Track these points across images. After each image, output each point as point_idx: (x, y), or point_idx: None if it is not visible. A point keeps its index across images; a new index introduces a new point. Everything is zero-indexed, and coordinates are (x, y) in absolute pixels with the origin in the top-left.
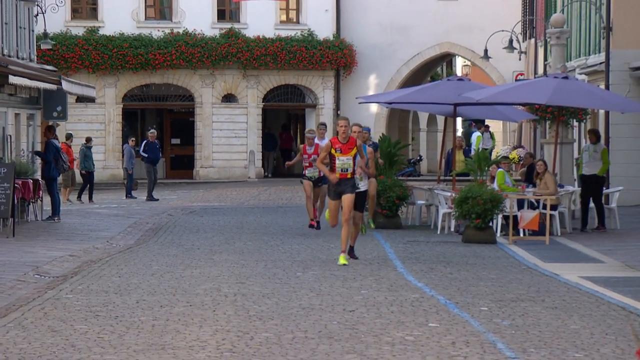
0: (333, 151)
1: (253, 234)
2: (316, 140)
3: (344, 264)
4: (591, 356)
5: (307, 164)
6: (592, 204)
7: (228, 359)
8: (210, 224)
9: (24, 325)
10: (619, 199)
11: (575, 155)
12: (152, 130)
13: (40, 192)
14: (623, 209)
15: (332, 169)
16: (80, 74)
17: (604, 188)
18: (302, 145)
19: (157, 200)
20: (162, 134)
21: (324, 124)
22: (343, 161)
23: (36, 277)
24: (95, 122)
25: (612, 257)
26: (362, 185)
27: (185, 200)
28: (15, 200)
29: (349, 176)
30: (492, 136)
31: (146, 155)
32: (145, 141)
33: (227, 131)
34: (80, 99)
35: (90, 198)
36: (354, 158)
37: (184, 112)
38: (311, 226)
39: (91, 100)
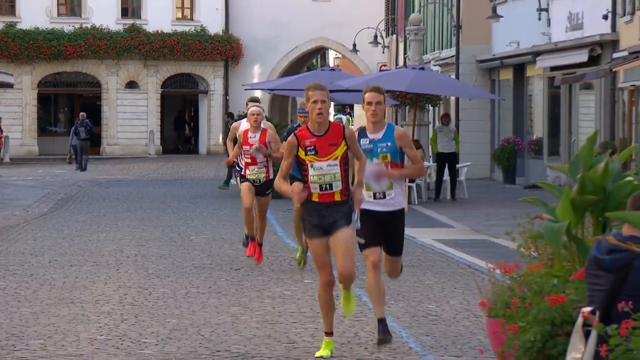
0: (302, 153)
1: (152, 202)
2: (243, 126)
3: (328, 357)
4: (442, 307)
5: (249, 160)
6: (445, 177)
7: (129, 312)
8: (114, 194)
9: None
10: (467, 172)
11: (430, 135)
12: (83, 112)
13: None
14: (470, 182)
15: (304, 185)
16: (0, 63)
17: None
18: (242, 131)
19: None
20: (73, 116)
21: (257, 101)
22: (322, 170)
23: None
24: (13, 105)
25: (460, 223)
26: (393, 200)
27: (93, 173)
28: None
29: (337, 198)
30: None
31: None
32: (86, 121)
33: (130, 114)
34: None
35: None
36: (343, 162)
37: (92, 97)
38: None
39: (9, 86)
